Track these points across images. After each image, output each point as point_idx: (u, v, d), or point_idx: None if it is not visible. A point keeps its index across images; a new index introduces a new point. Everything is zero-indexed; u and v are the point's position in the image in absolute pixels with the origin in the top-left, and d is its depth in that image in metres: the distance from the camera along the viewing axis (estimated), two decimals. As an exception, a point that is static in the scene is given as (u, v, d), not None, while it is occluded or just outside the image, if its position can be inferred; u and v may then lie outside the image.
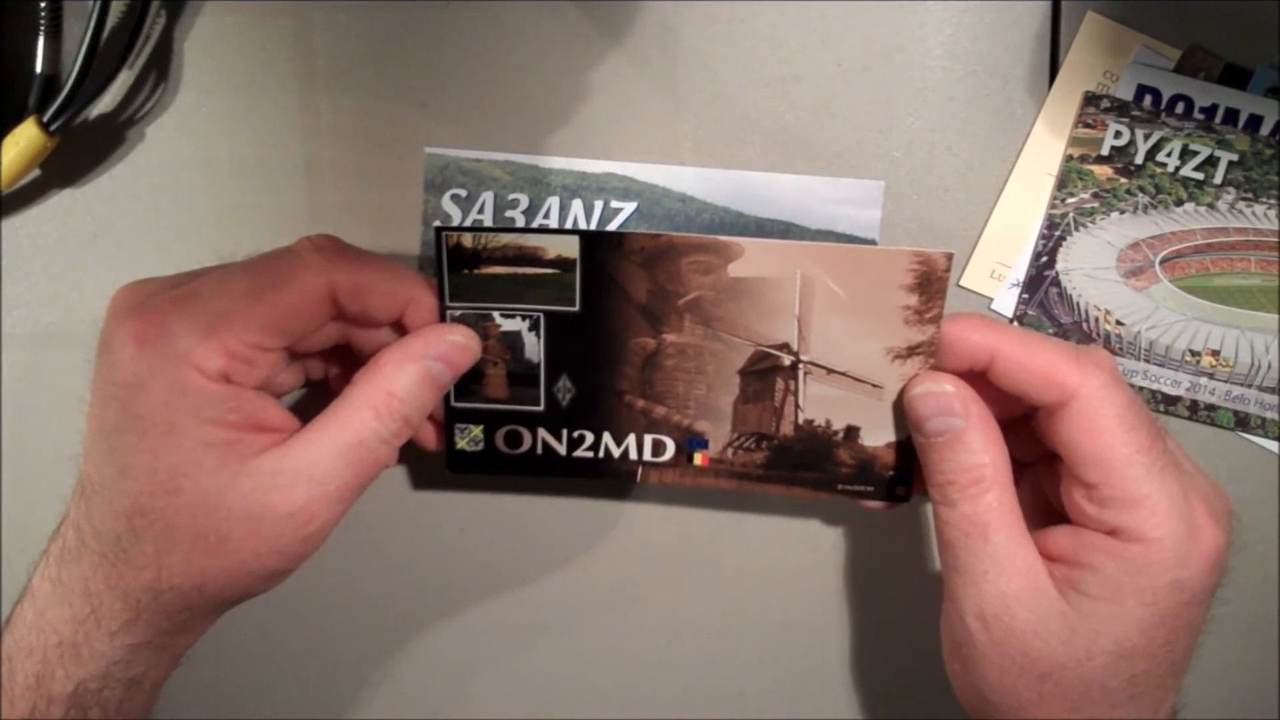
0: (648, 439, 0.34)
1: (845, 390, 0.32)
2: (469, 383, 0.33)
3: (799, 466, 0.34)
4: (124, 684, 0.30)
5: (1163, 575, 0.28)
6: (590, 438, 0.34)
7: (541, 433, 0.34)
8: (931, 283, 0.31)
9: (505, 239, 0.31)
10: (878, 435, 0.33)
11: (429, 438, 0.35)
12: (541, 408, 0.34)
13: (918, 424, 0.31)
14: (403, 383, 0.30)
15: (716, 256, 0.32)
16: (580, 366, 0.33)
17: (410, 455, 0.40)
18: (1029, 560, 0.29)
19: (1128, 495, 0.28)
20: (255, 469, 0.29)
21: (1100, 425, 0.29)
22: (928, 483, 0.31)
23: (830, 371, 0.32)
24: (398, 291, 0.31)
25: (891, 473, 0.33)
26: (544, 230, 0.32)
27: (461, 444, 0.34)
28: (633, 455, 0.34)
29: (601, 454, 0.34)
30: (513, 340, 0.33)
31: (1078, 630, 0.28)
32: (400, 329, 0.32)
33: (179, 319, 0.28)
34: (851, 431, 0.33)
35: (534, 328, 0.33)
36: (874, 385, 0.32)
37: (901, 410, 0.32)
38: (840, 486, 0.34)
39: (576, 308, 0.32)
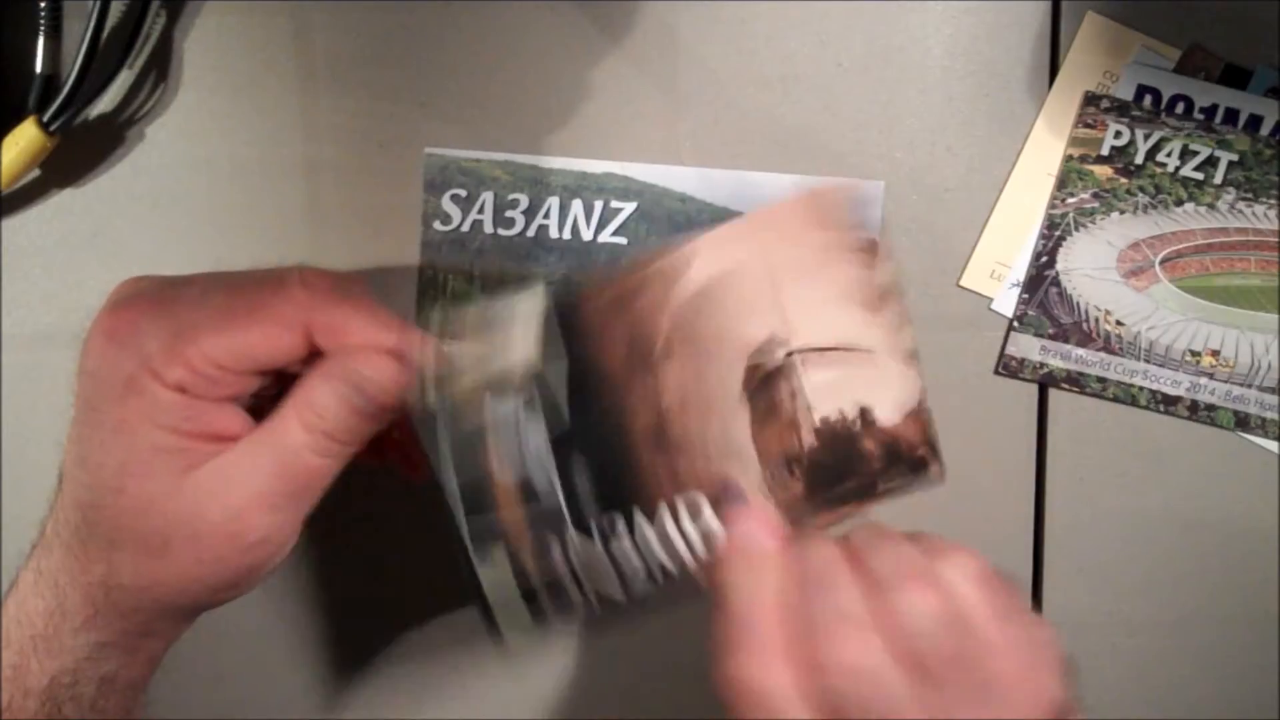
0: (681, 505, 0.32)
1: (843, 367, 0.32)
2: (483, 507, 0.31)
3: (836, 479, 0.33)
4: (96, 682, 0.30)
5: None
6: (621, 520, 0.32)
7: (569, 534, 0.31)
8: (868, 208, 0.31)
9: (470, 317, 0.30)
10: (889, 409, 0.32)
11: (410, 465, 0.34)
12: (563, 502, 0.31)
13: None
14: (321, 398, 0.29)
15: (665, 283, 0.31)
16: (588, 439, 0.31)
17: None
18: None
19: None
20: (199, 478, 0.28)
21: None
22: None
23: (823, 351, 0.32)
24: (377, 342, 0.30)
25: (919, 451, 0.33)
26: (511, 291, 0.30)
27: (492, 595, 0.31)
28: (681, 549, 0.32)
29: (641, 544, 0.32)
30: (512, 437, 0.31)
31: None
32: None
33: (150, 322, 0.28)
34: (866, 413, 0.32)
35: (530, 403, 0.31)
36: (865, 350, 0.32)
37: (901, 373, 0.32)
38: (880, 487, 0.33)
39: (565, 361, 0.31)
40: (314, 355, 0.30)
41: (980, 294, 0.39)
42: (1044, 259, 0.38)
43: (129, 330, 0.28)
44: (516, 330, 0.31)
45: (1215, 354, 0.38)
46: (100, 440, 0.28)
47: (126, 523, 0.28)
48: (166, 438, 0.28)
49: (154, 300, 0.29)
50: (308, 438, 0.29)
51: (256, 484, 0.29)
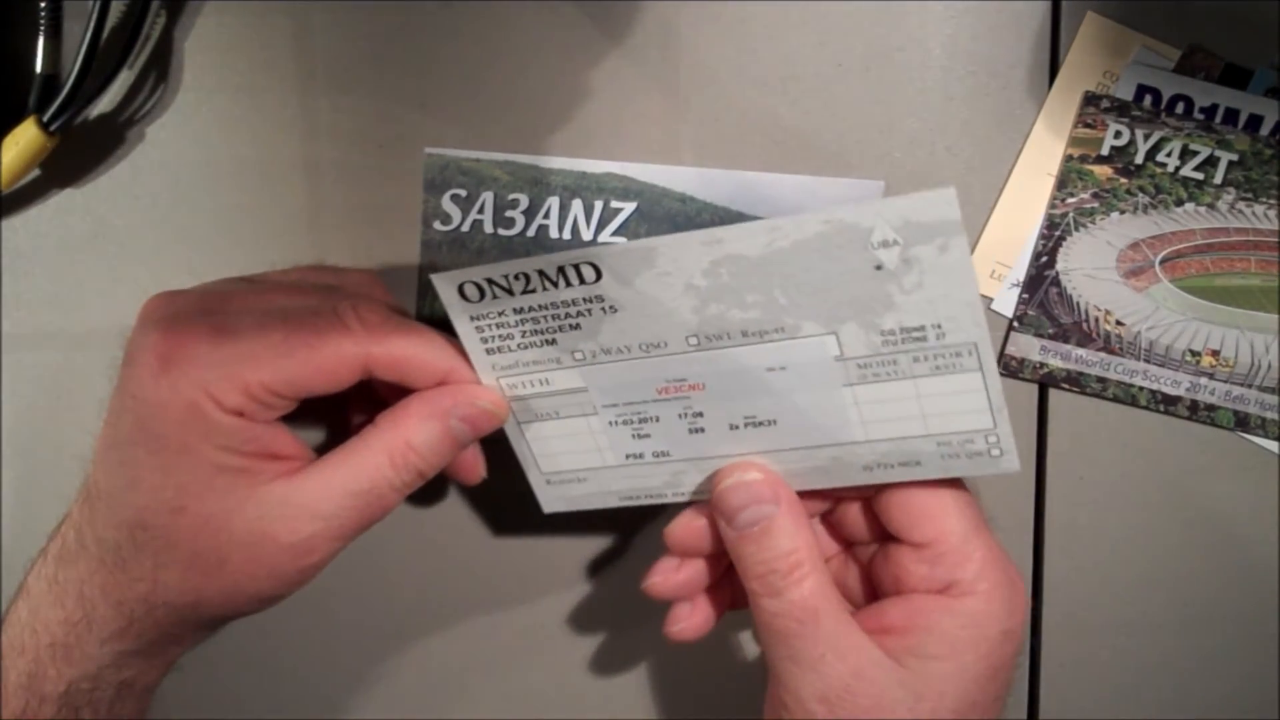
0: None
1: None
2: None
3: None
4: (115, 686, 0.30)
5: (995, 626, 0.29)
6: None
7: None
8: None
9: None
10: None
11: (469, 470, 0.34)
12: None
13: (730, 517, 0.31)
14: (423, 437, 0.30)
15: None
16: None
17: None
18: (859, 637, 0.30)
19: (959, 550, 0.30)
20: (263, 497, 0.29)
21: (931, 484, 0.30)
22: (744, 576, 0.31)
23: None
24: (435, 366, 0.31)
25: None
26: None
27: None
28: None
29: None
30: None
31: (922, 694, 0.29)
32: None
33: (208, 349, 0.28)
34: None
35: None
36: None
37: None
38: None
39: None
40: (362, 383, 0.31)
41: (980, 294, 0.39)
42: (1044, 259, 0.38)
43: (185, 356, 0.28)
44: None
45: (1215, 354, 0.38)
46: (160, 463, 0.28)
47: (183, 541, 0.29)
48: (229, 458, 0.29)
49: (209, 326, 0.29)
50: (396, 475, 0.30)
51: (330, 514, 0.29)
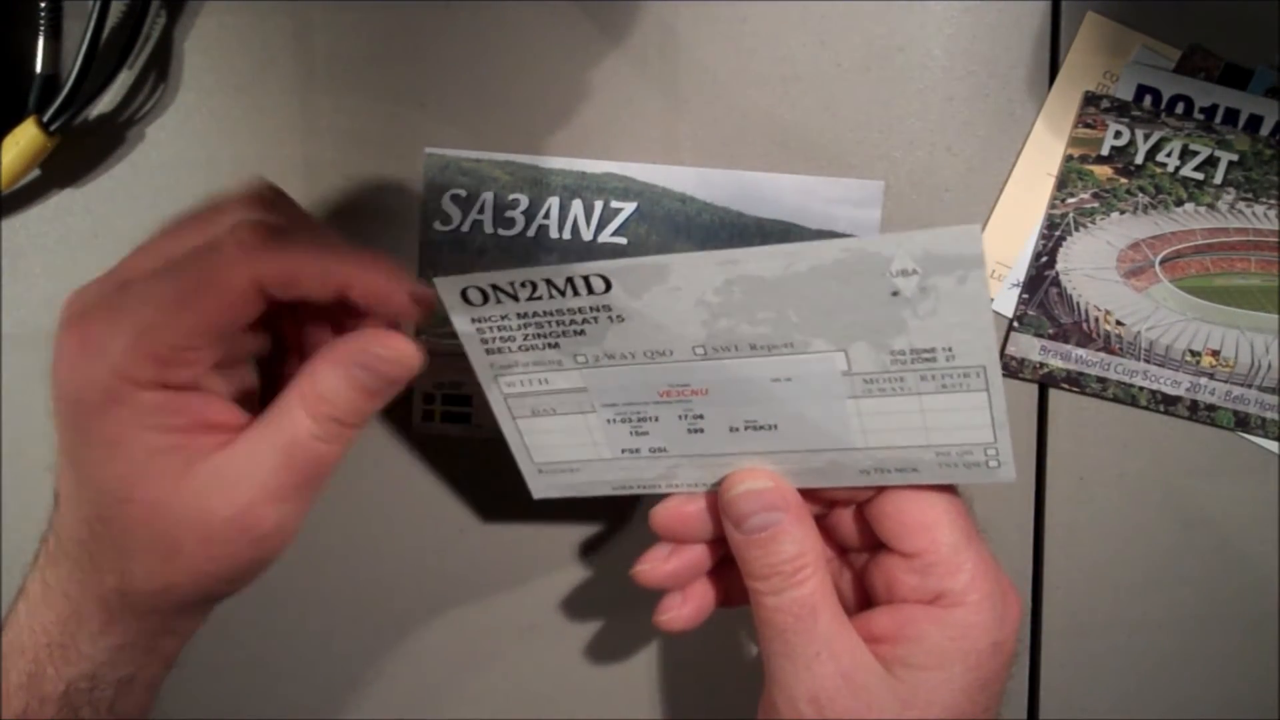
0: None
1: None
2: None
3: None
4: (114, 684, 0.30)
5: (984, 638, 0.29)
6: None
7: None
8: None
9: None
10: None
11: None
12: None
13: (739, 522, 0.31)
14: (329, 384, 0.29)
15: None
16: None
17: (408, 455, 0.40)
18: (854, 639, 0.30)
19: (950, 561, 0.30)
20: (199, 472, 0.28)
21: (924, 494, 0.30)
22: (748, 576, 0.31)
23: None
24: (331, 274, 0.29)
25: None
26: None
27: None
28: None
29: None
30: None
31: (909, 703, 0.29)
32: (357, 311, 0.31)
33: (109, 331, 0.28)
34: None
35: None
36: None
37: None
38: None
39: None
40: (288, 304, 0.29)
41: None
42: (1044, 259, 0.38)
43: (91, 345, 0.28)
44: None
45: (1215, 354, 0.38)
46: (96, 459, 0.28)
47: (137, 529, 0.28)
48: (160, 438, 0.28)
49: (106, 308, 0.28)
50: (314, 426, 0.29)
51: (262, 477, 0.29)
